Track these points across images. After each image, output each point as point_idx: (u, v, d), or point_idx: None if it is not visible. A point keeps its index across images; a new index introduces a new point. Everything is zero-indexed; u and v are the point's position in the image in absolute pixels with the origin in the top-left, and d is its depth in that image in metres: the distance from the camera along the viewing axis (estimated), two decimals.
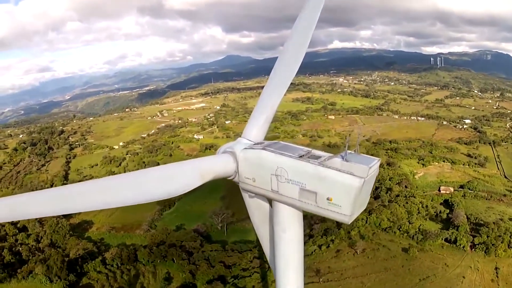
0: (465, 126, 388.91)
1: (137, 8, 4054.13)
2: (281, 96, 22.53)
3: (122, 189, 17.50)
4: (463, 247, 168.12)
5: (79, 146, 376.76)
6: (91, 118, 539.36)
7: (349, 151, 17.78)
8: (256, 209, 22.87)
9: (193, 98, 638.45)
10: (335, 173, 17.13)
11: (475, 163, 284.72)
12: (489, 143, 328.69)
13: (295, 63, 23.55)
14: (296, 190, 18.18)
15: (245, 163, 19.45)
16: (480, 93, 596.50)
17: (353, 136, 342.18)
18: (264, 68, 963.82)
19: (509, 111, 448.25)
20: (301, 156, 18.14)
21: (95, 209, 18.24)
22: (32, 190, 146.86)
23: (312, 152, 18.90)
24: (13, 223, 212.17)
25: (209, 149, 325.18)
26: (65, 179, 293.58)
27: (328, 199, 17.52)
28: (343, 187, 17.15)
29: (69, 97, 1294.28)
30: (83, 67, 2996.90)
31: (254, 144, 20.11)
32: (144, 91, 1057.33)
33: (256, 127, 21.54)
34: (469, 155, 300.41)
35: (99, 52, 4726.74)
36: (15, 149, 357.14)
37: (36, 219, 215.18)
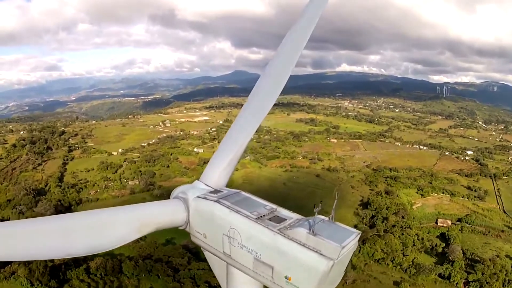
0: (467, 158, 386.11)
1: (148, 16, 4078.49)
2: (253, 131, 18.62)
3: (37, 239, 14.05)
4: (457, 283, 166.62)
5: (78, 149, 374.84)
6: (93, 122, 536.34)
7: (321, 217, 14.00)
8: (215, 261, 17.22)
9: (197, 110, 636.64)
10: (298, 248, 13.26)
11: (475, 196, 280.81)
12: (490, 176, 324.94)
13: (274, 92, 19.57)
14: (251, 259, 14.52)
15: (196, 214, 15.98)
16: (484, 125, 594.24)
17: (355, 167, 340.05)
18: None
19: None
20: (260, 217, 14.48)
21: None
22: (26, 189, 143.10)
23: (277, 211, 15.16)
24: (3, 220, 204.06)
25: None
26: (60, 181, 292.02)
27: (286, 277, 13.61)
28: (305, 268, 13.17)
29: (74, 98, 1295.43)
30: (91, 70, 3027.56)
31: (210, 192, 16.35)
32: (149, 99, 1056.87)
33: (218, 170, 17.58)
34: (469, 188, 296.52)
35: (107, 56, 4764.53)
36: (14, 145, 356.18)
37: (27, 218, 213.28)
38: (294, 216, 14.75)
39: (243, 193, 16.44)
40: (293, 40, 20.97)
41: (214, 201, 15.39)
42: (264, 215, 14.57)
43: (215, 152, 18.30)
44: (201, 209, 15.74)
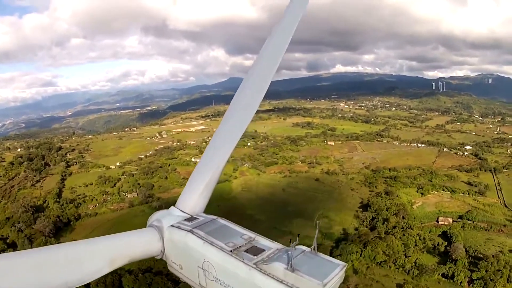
0: (465, 153, 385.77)
1: (141, 27, 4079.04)
2: (231, 149, 17.90)
3: (9, 275, 12.91)
4: (461, 282, 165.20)
5: (76, 164, 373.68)
6: (90, 136, 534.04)
7: (302, 248, 13.31)
8: None
9: (193, 120, 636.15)
10: (275, 285, 12.42)
11: (475, 192, 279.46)
12: (490, 170, 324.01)
13: (253, 104, 19.06)
14: None
15: (170, 244, 15.42)
16: (481, 118, 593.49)
17: (352, 165, 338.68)
18: (266, 92, 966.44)
19: (510, 136, 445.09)
20: (236, 248, 13.83)
21: None
22: (24, 206, 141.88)
23: (255, 241, 14.54)
24: (2, 238, 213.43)
25: None
26: (59, 197, 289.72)
27: None
28: None
29: (70, 113, 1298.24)
30: (86, 84, 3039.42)
31: (185, 220, 15.83)
32: (145, 111, 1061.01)
33: (194, 195, 17.12)
34: (469, 183, 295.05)
35: (102, 69, 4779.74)
36: (12, 163, 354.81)
37: (26, 235, 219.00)
38: (274, 246, 14.09)
39: (220, 220, 15.85)
40: (273, 44, 20.36)
41: (188, 231, 14.81)
42: (240, 246, 13.93)
43: (191, 176, 17.69)
44: (175, 239, 15.20)
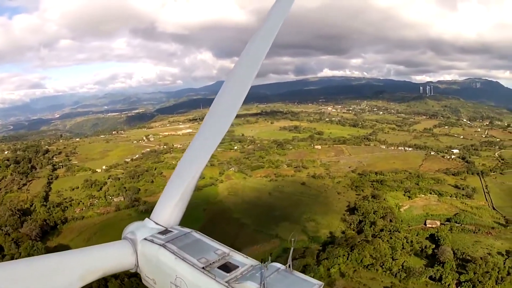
0: (453, 156, 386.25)
1: (130, 30, 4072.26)
2: (207, 158, 18.23)
3: None
4: (449, 285, 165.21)
5: (62, 167, 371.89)
6: (77, 139, 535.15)
7: (277, 266, 13.51)
8: None
9: (181, 123, 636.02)
10: None
11: (463, 195, 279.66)
12: (477, 173, 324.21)
13: (232, 110, 19.36)
14: None
15: (143, 258, 15.60)
16: (469, 122, 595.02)
17: (338, 166, 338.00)
18: (254, 95, 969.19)
19: (498, 140, 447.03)
20: (209, 265, 13.93)
21: None
22: (11, 210, 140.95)
23: (229, 256, 14.73)
24: None
25: None
26: (45, 200, 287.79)
27: None
28: None
29: (58, 116, 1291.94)
30: (74, 86, 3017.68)
31: (159, 233, 16.11)
32: (133, 114, 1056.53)
33: (169, 207, 17.36)
34: (456, 186, 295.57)
35: (90, 71, 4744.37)
36: None
37: (13, 239, 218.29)
38: (248, 262, 14.24)
39: (195, 233, 16.09)
40: (254, 49, 20.53)
41: (160, 245, 15.03)
42: (213, 262, 14.04)
43: (166, 186, 18.26)
44: (147, 253, 15.38)
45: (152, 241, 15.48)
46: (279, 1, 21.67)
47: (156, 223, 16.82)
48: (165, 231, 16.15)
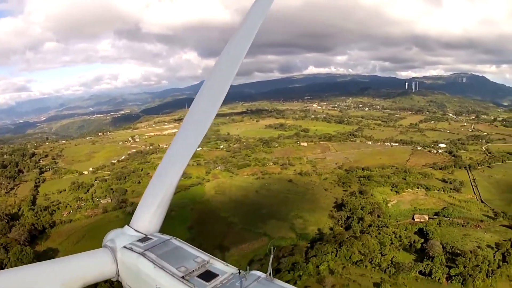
0: (439, 151, 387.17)
1: (114, 31, 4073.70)
2: (186, 163, 17.99)
3: None
4: (439, 279, 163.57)
5: (49, 170, 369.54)
6: (63, 141, 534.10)
7: (257, 274, 13.70)
8: None
9: (166, 123, 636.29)
10: None
11: (450, 188, 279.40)
12: (465, 167, 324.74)
13: (210, 112, 19.16)
14: None
15: (123, 267, 15.50)
16: (455, 116, 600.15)
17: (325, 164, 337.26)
18: (238, 94, 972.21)
19: (484, 134, 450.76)
20: (189, 273, 13.85)
21: None
22: None
23: (209, 264, 14.62)
24: None
25: None
26: (33, 204, 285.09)
27: None
28: None
29: (44, 119, 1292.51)
30: (59, 88, 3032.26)
31: (138, 240, 16.12)
32: (119, 115, 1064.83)
33: (148, 214, 17.28)
34: (444, 180, 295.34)
35: (75, 73, 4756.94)
36: None
37: (1, 244, 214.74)
38: (229, 270, 14.18)
39: (175, 241, 16.09)
40: (234, 48, 20.41)
41: (139, 253, 14.96)
42: (193, 271, 13.96)
43: (145, 192, 18.00)
44: (127, 262, 15.24)
45: (131, 249, 15.37)
46: (258, 0, 21.33)
47: (136, 230, 16.70)
48: (144, 239, 16.10)
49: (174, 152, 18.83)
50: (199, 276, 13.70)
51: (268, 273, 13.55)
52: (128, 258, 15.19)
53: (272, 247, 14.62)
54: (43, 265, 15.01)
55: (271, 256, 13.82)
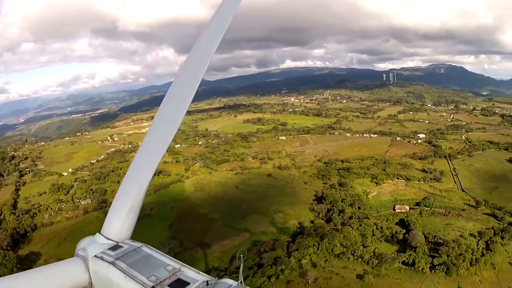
0: (419, 141, 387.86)
1: (91, 30, 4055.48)
2: (155, 167, 17.78)
3: None
4: (422, 269, 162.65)
5: (29, 173, 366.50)
6: (42, 143, 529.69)
7: (229, 282, 13.67)
8: None
9: (144, 121, 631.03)
10: None
11: (431, 178, 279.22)
12: (445, 157, 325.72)
13: (179, 114, 18.90)
14: None
15: (95, 276, 15.17)
16: (434, 107, 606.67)
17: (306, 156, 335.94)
18: (216, 90, 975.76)
19: (464, 123, 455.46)
20: (159, 283, 13.73)
21: None
22: None
23: (180, 272, 14.42)
24: None
25: (158, 175, 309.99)
26: (14, 208, 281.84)
27: None
28: None
29: (23, 120, 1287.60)
30: (37, 89, 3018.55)
31: (109, 249, 15.78)
32: (97, 114, 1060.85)
33: (118, 221, 17.07)
34: (424, 170, 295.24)
35: (53, 74, 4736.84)
36: None
37: None
38: (200, 278, 14.06)
39: (145, 249, 15.85)
40: (203, 45, 19.90)
41: (110, 262, 14.73)
42: (163, 280, 13.83)
43: (114, 199, 17.84)
44: (98, 272, 14.96)
45: (102, 258, 15.11)
46: None
47: (107, 238, 16.43)
48: (115, 247, 15.82)
49: (143, 154, 19.05)
50: (170, 285, 13.50)
51: (239, 281, 13.28)
52: (100, 267, 14.89)
53: (241, 255, 14.67)
54: (13, 279, 14.51)
55: (241, 265, 13.36)
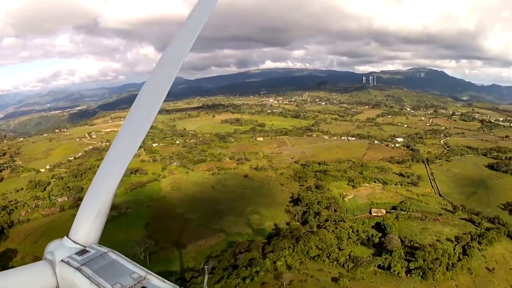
0: (397, 145, 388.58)
1: (73, 26, 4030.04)
2: (123, 170, 16.92)
3: None
4: (398, 273, 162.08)
5: (7, 169, 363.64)
6: (21, 139, 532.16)
7: None
8: None
9: (123, 119, 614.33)
10: None
11: (408, 182, 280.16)
12: (422, 161, 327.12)
13: (149, 116, 17.86)
14: None
15: (62, 281, 14.80)
16: (413, 111, 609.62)
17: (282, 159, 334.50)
18: (195, 89, 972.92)
19: (443, 128, 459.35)
20: None
21: None
22: None
23: (146, 280, 14.16)
24: None
25: (134, 174, 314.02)
26: None
27: None
28: None
29: (2, 116, 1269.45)
30: (18, 85, 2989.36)
31: (76, 253, 15.42)
32: (76, 111, 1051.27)
33: (86, 225, 16.40)
34: (401, 175, 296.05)
35: (33, 69, 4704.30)
36: None
37: None
38: (165, 287, 13.95)
39: (112, 254, 15.45)
40: (177, 44, 19.68)
41: (76, 268, 14.40)
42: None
43: (82, 202, 17.06)
44: (65, 277, 14.65)
45: (68, 263, 14.70)
46: None
47: (74, 242, 15.97)
48: (82, 251, 15.46)
49: (113, 156, 17.97)
50: None
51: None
52: (66, 273, 14.52)
53: (206, 266, 11.84)
54: None
55: (206, 276, 11.56)
